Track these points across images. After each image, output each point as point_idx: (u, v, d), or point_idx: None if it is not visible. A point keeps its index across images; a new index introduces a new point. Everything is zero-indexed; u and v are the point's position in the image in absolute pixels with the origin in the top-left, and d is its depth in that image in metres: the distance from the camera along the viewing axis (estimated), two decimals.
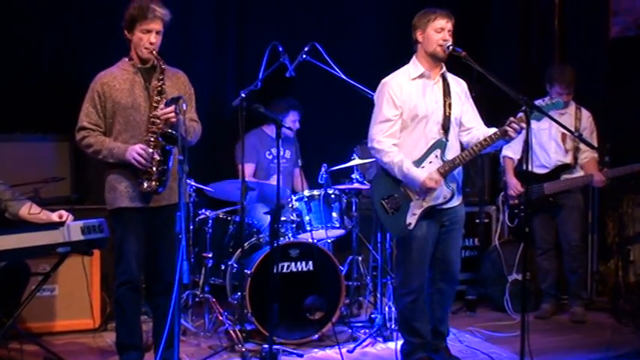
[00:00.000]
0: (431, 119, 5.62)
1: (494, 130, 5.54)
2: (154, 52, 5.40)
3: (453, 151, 5.66)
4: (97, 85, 5.44)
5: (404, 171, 5.55)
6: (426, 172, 5.55)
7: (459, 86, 5.82)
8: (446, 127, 5.64)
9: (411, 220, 5.61)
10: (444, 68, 5.74)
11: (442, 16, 5.60)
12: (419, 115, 5.61)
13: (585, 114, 7.53)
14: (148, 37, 5.39)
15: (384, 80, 5.76)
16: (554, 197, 7.43)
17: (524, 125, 5.31)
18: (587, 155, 7.45)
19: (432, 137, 5.63)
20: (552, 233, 7.59)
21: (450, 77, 5.78)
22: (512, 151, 7.55)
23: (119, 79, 5.44)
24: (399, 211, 5.64)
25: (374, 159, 6.20)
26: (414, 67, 5.72)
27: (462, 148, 5.76)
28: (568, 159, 7.46)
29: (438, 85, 5.70)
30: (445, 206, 5.68)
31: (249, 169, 7.50)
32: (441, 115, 5.64)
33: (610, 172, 7.39)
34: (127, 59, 5.54)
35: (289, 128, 6.73)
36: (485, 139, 5.52)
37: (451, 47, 5.51)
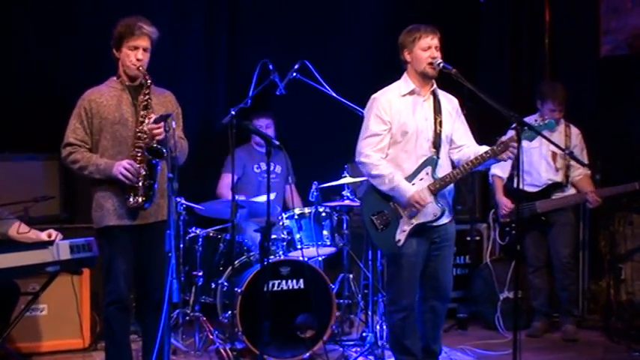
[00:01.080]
0: (421, 136, 5.61)
1: (485, 148, 5.55)
2: (141, 68, 5.39)
3: (443, 169, 5.65)
4: (84, 101, 5.43)
5: (393, 184, 5.54)
6: (415, 188, 5.54)
7: (449, 103, 5.81)
8: (437, 145, 5.63)
9: (400, 236, 5.59)
10: (435, 85, 5.73)
11: (427, 33, 5.59)
12: (408, 131, 5.60)
13: (575, 131, 7.54)
14: (135, 54, 5.39)
15: (373, 96, 5.76)
16: (545, 215, 7.42)
17: (515, 148, 5.34)
18: (580, 172, 7.46)
19: (422, 154, 5.62)
20: (544, 251, 7.58)
21: (441, 94, 5.77)
22: (501, 170, 7.54)
23: (106, 96, 5.43)
24: (389, 227, 5.63)
25: (364, 177, 6.21)
26: (405, 83, 5.71)
27: (453, 165, 5.75)
28: (559, 177, 7.45)
29: (428, 102, 5.69)
30: (435, 224, 5.66)
31: (229, 179, 7.38)
32: (432, 132, 5.63)
33: (604, 192, 7.37)
34: (115, 78, 5.54)
35: (276, 143, 6.50)
36: (476, 158, 5.52)
37: (441, 65, 5.50)
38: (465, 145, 5.75)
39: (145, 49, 5.42)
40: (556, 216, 7.44)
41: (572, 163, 7.33)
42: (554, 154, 7.42)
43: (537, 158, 7.46)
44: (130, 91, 5.47)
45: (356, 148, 5.74)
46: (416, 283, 5.69)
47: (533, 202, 7.42)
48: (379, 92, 5.77)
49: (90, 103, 5.40)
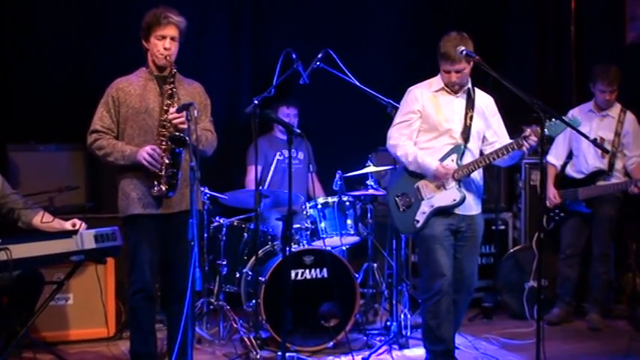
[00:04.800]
0: (450, 130, 5.70)
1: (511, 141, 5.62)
2: (169, 57, 5.41)
3: (470, 160, 5.70)
4: (112, 90, 5.48)
5: (418, 160, 5.67)
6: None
7: (484, 102, 5.87)
8: (465, 137, 5.71)
9: (419, 217, 5.70)
10: (470, 84, 5.79)
11: (451, 62, 5.62)
12: (437, 125, 5.71)
13: (630, 117, 7.38)
14: (162, 43, 5.41)
15: (409, 88, 5.89)
16: (589, 203, 7.34)
17: (536, 139, 5.39)
18: (634, 161, 7.32)
19: (450, 144, 5.71)
20: (582, 239, 7.48)
21: (478, 93, 5.85)
22: (555, 157, 7.48)
23: (134, 85, 5.47)
24: (410, 209, 5.76)
25: (389, 167, 6.25)
26: (438, 80, 5.82)
27: None
28: (604, 165, 7.33)
29: (460, 98, 5.78)
30: (461, 212, 5.72)
31: (254, 172, 7.41)
32: (461, 125, 5.71)
33: None
34: (144, 68, 5.59)
35: (297, 131, 6.45)
36: (501, 149, 5.59)
37: (465, 52, 5.50)
38: (497, 142, 5.81)
39: (172, 38, 5.44)
40: (600, 205, 7.35)
41: (625, 151, 7.26)
42: (602, 141, 7.27)
43: (586, 145, 7.29)
44: (157, 81, 5.50)
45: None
46: (447, 265, 5.69)
47: (576, 188, 7.37)
48: (415, 85, 5.90)
49: (118, 91, 5.45)
